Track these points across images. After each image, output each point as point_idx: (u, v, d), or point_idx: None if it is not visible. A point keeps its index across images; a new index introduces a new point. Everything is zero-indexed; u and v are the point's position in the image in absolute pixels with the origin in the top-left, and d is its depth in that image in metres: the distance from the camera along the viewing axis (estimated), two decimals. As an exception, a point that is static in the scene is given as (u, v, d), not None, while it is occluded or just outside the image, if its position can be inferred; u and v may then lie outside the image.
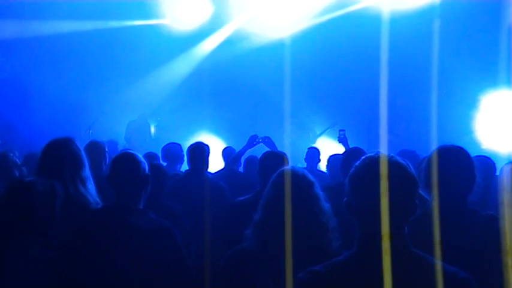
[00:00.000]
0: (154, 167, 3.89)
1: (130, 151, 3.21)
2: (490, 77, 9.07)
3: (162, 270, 2.82)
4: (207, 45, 12.27)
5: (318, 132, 11.25)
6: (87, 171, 3.60)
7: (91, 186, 3.58)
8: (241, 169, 6.63)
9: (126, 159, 3.09)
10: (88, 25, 11.46)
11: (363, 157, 2.04)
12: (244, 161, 6.42)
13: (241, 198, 4.09)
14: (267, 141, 6.57)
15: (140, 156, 3.13)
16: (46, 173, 3.31)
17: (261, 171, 4.05)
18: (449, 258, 2.01)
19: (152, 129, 12.15)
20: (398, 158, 2.00)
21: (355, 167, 2.04)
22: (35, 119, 10.61)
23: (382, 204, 1.88)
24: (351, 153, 4.80)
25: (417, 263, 1.92)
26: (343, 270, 1.96)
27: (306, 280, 1.97)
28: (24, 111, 10.88)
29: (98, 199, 3.54)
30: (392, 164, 1.96)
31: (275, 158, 4.12)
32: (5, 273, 2.66)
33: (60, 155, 3.51)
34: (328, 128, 10.90)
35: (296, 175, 2.75)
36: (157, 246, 2.85)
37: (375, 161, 1.97)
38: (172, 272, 2.84)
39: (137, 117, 11.90)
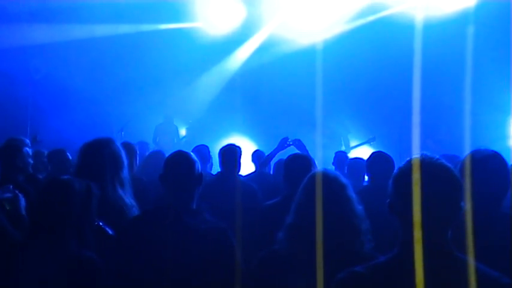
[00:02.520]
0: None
1: (184, 150, 3.19)
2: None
3: (218, 271, 2.80)
4: (242, 53, 12.36)
5: (350, 138, 11.15)
6: (126, 173, 3.59)
7: (128, 187, 3.57)
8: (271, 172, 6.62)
9: (182, 159, 3.06)
10: (124, 28, 11.65)
11: (408, 159, 2.02)
12: (274, 164, 6.40)
13: (269, 202, 4.09)
14: (298, 143, 6.54)
15: (194, 155, 3.12)
16: (86, 173, 3.28)
17: (287, 175, 4.03)
18: (485, 263, 1.97)
19: (183, 132, 12.26)
20: (444, 161, 1.98)
21: (399, 169, 2.02)
22: (71, 120, 10.78)
23: (414, 202, 1.87)
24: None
25: (460, 266, 1.90)
26: (385, 272, 1.95)
27: (347, 280, 1.97)
28: (60, 111, 11.06)
29: (133, 201, 3.53)
30: (437, 166, 1.94)
31: (300, 161, 4.07)
32: (40, 271, 2.66)
33: (101, 156, 3.47)
34: (365, 142, 10.62)
35: (328, 177, 2.73)
36: (215, 247, 2.83)
37: (418, 163, 1.95)
38: (227, 273, 2.81)
39: (163, 120, 12.06)
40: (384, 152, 4.98)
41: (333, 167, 7.02)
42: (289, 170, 4.01)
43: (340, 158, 7.11)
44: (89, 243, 2.86)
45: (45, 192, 2.91)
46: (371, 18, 11.13)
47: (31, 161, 4.96)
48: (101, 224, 3.08)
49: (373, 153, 5.06)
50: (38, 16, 10.97)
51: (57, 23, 11.10)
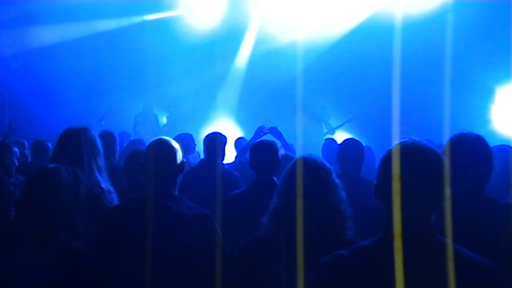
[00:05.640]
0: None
1: (165, 138, 3.16)
2: (505, 68, 9.02)
3: (203, 256, 2.82)
4: (229, 48, 12.36)
5: (333, 124, 11.25)
6: (102, 160, 3.61)
7: (106, 174, 3.59)
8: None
9: (163, 146, 3.05)
10: (105, 23, 11.67)
11: (397, 142, 2.00)
12: (244, 152, 6.42)
13: (236, 191, 4.11)
14: (274, 131, 6.55)
15: (175, 142, 3.10)
16: (62, 160, 3.24)
17: (252, 163, 4.04)
18: (466, 247, 1.98)
19: (164, 120, 12.21)
20: (431, 145, 1.97)
21: (387, 151, 2.00)
22: (50, 110, 10.70)
23: (400, 187, 1.85)
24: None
25: (442, 250, 1.89)
26: (369, 255, 1.95)
27: (332, 263, 1.96)
28: (39, 101, 10.96)
29: (111, 187, 3.55)
30: (424, 150, 1.93)
31: (264, 148, 4.06)
32: (32, 262, 2.62)
33: (78, 143, 3.49)
34: (346, 122, 10.94)
35: (314, 163, 2.69)
36: (199, 232, 2.85)
37: (406, 146, 1.95)
38: (212, 257, 2.81)
39: (142, 109, 12.04)
40: (355, 139, 5.00)
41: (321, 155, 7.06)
42: (254, 158, 4.04)
43: (329, 145, 7.14)
44: (79, 233, 2.82)
45: (33, 182, 2.83)
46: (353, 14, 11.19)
47: (16, 163, 5.08)
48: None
49: (344, 141, 5.08)
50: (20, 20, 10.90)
51: (35, 26, 11.02)
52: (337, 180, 2.70)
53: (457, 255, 1.87)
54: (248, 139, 7.40)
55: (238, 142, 7.58)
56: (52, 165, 2.91)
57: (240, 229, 2.97)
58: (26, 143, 6.33)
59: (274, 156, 3.96)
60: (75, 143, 3.49)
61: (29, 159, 6.15)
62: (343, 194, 2.68)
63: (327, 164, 2.75)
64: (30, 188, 2.83)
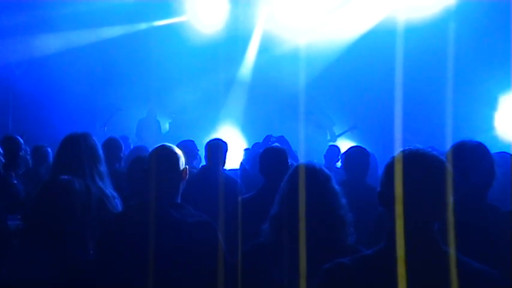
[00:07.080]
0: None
1: (168, 144, 3.13)
2: (508, 75, 9.03)
3: (206, 263, 2.80)
4: (234, 54, 12.34)
5: (336, 132, 11.28)
6: (104, 166, 3.60)
7: (108, 180, 3.57)
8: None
9: (166, 153, 3.03)
10: (111, 30, 11.70)
11: (401, 149, 1.99)
12: (250, 159, 6.44)
13: (245, 196, 4.11)
14: (281, 140, 6.61)
15: (178, 149, 3.09)
16: (64, 167, 3.30)
17: (262, 168, 4.05)
18: (469, 255, 1.96)
19: (166, 126, 12.28)
20: (436, 153, 1.95)
21: (392, 158, 1.98)
22: (54, 115, 10.73)
23: (403, 194, 1.85)
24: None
25: (445, 259, 1.87)
26: (371, 265, 1.94)
27: (333, 271, 1.95)
28: (43, 106, 11.00)
29: (114, 193, 3.54)
30: (428, 158, 1.92)
31: (274, 154, 4.08)
32: (36, 272, 2.65)
33: (78, 149, 3.49)
34: (348, 130, 10.96)
35: (313, 170, 2.70)
36: (202, 240, 2.83)
37: (410, 153, 1.93)
38: (215, 265, 2.80)
39: (146, 115, 12.07)
40: (361, 147, 5.01)
41: (324, 160, 7.08)
42: (264, 164, 4.04)
43: (332, 151, 7.17)
44: (87, 246, 2.84)
45: (45, 193, 2.87)
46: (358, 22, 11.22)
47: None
48: None
49: (350, 148, 5.09)
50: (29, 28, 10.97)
51: (41, 33, 11.09)
52: (336, 187, 2.70)
53: (461, 265, 1.85)
54: (251, 144, 7.46)
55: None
56: (65, 177, 2.93)
57: (247, 233, 2.95)
58: (28, 148, 6.35)
59: (283, 162, 3.96)
60: (74, 149, 3.50)
61: (30, 164, 6.17)
62: (343, 200, 2.68)
63: (326, 170, 2.75)
64: (42, 199, 2.85)
